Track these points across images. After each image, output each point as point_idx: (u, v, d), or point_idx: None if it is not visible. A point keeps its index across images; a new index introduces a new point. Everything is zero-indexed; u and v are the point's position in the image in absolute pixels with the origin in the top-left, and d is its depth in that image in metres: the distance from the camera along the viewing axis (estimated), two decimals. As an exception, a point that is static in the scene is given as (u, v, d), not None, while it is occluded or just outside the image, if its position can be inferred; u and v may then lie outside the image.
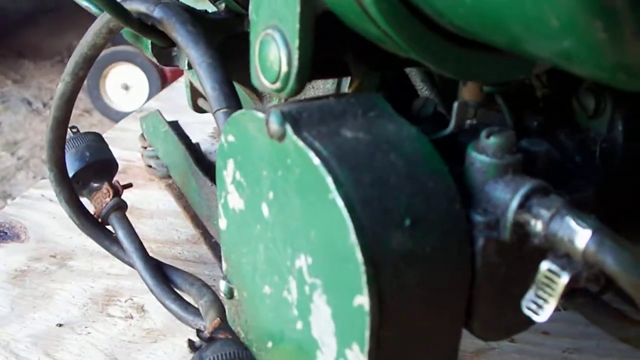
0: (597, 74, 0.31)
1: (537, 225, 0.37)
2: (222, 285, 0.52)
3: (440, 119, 0.47)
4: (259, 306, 0.48)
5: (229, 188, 0.47)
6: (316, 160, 0.36)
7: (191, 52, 0.56)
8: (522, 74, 0.41)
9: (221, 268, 0.83)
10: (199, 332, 0.59)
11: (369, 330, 0.36)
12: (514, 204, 0.38)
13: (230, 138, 0.45)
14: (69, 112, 0.72)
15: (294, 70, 0.41)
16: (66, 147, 0.77)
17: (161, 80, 2.69)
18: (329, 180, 0.36)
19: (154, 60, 0.65)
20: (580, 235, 0.35)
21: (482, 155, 0.39)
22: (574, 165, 0.48)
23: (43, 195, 1.01)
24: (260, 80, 0.44)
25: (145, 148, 1.03)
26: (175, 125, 0.96)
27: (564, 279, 0.36)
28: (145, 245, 0.77)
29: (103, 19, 0.63)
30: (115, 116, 2.67)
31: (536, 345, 0.77)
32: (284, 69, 0.41)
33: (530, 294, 0.37)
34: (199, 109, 1.04)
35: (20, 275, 0.85)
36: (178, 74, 2.74)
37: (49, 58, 3.30)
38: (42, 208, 0.99)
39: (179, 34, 0.57)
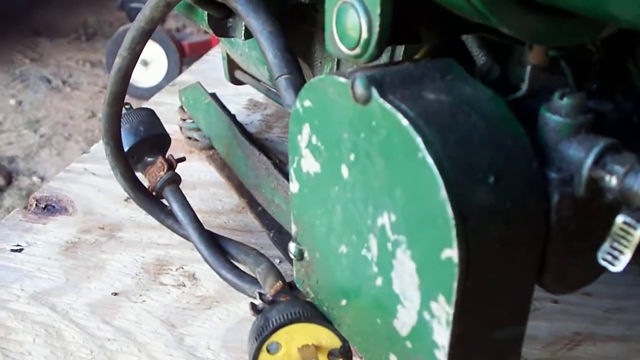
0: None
1: (612, 181, 0.39)
2: (292, 247, 0.54)
3: (504, 83, 0.48)
4: (333, 266, 0.50)
5: (303, 152, 0.49)
6: (405, 122, 0.38)
7: (252, 20, 0.58)
8: (590, 38, 0.43)
9: (269, 236, 0.85)
10: (261, 295, 0.61)
11: (457, 282, 0.38)
12: (589, 161, 0.40)
13: (307, 103, 0.47)
14: (125, 87, 0.74)
15: (375, 36, 0.42)
16: (120, 122, 0.78)
17: (179, 55, 2.70)
18: (419, 140, 0.38)
19: (210, 31, 0.67)
20: (657, 189, 0.37)
21: (556, 116, 0.41)
22: (632, 126, 0.50)
23: (86, 169, 1.04)
24: (337, 46, 0.45)
25: (185, 120, 1.05)
26: (215, 97, 0.98)
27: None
28: (191, 215, 0.80)
29: (161, -8, 0.65)
30: (135, 92, 2.69)
31: (579, 306, 0.79)
32: (365, 35, 0.43)
33: (605, 246, 0.39)
34: (235, 81, 1.06)
35: (72, 247, 0.87)
36: (196, 48, 2.76)
37: (65, 36, 3.31)
38: (86, 181, 1.01)
39: (239, 4, 0.59)
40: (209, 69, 1.35)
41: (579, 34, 0.42)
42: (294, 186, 0.51)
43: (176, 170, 0.83)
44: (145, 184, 0.83)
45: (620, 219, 0.39)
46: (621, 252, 0.39)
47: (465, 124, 0.39)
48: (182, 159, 0.85)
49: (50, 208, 0.95)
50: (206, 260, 0.76)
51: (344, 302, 0.50)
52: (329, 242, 0.49)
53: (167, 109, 1.17)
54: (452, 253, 0.38)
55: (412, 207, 0.40)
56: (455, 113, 0.40)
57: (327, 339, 0.53)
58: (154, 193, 0.83)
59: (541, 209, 0.41)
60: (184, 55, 2.72)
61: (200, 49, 2.60)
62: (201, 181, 1.01)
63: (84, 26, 3.39)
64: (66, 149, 2.41)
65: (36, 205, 0.95)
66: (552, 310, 0.78)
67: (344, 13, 0.44)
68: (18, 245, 0.87)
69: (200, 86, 0.97)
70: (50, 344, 0.72)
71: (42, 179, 2.24)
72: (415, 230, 0.40)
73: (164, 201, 0.82)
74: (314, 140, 0.47)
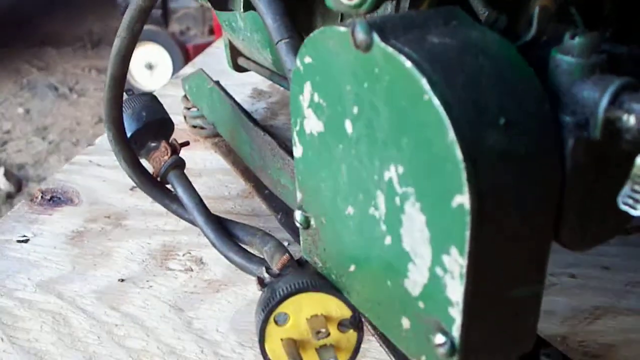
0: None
1: (630, 120, 0.37)
2: (298, 216, 0.52)
3: (512, 34, 0.46)
4: (341, 230, 0.48)
5: (305, 112, 0.47)
6: (408, 64, 0.36)
7: (248, -14, 0.56)
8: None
9: (277, 218, 0.84)
10: (268, 269, 0.59)
11: (470, 230, 0.36)
12: (605, 101, 0.38)
13: (307, 60, 0.45)
14: (125, 69, 0.72)
15: (374, -18, 0.41)
16: (122, 109, 0.77)
17: (184, 58, 2.69)
18: (424, 81, 0.36)
19: (208, 4, 0.65)
20: (679, 125, 0.35)
21: (568, 56, 0.39)
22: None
23: (91, 161, 1.02)
24: (336, -2, 0.44)
25: (189, 109, 1.04)
26: (218, 84, 0.97)
27: (662, 169, 0.36)
28: (197, 202, 0.78)
29: (156, -34, 0.63)
30: (142, 96, 2.68)
31: (597, 280, 0.77)
32: (363, -18, 0.41)
33: (626, 189, 0.37)
34: (239, 68, 1.04)
35: (78, 237, 0.86)
36: (200, 50, 2.75)
37: (71, 44, 3.32)
38: (91, 173, 1.00)
39: (235, -30, 0.57)
40: (213, 62, 1.34)
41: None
42: (297, 150, 0.50)
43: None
44: (150, 170, 0.82)
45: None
46: (643, 194, 0.37)
47: (472, 66, 0.37)
48: (186, 143, 0.84)
49: (55, 199, 0.94)
50: (213, 244, 0.74)
51: (352, 268, 0.48)
52: (335, 206, 0.47)
53: (171, 100, 1.15)
54: (463, 199, 0.36)
55: (420, 155, 0.38)
56: (461, 55, 0.38)
57: (337, 309, 0.51)
58: (158, 178, 0.81)
59: (556, 155, 0.39)
60: (188, 57, 2.71)
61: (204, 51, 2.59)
62: (207, 169, 0.99)
63: (90, 34, 3.39)
64: (74, 154, 2.40)
65: (42, 197, 0.94)
66: (570, 285, 0.76)
67: (343, -40, 0.42)
68: (24, 236, 0.86)
69: (203, 73, 0.96)
70: (57, 330, 0.71)
71: (52, 184, 2.23)
72: (423, 179, 0.38)
73: (169, 186, 0.81)
74: (315, 98, 0.45)
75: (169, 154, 0.80)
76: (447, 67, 0.37)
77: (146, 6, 0.68)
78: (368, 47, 0.39)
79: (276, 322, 0.51)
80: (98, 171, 1.00)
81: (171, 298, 0.75)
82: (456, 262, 0.38)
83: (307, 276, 0.53)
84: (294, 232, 0.79)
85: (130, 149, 0.79)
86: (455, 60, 0.37)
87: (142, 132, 0.82)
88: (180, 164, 0.81)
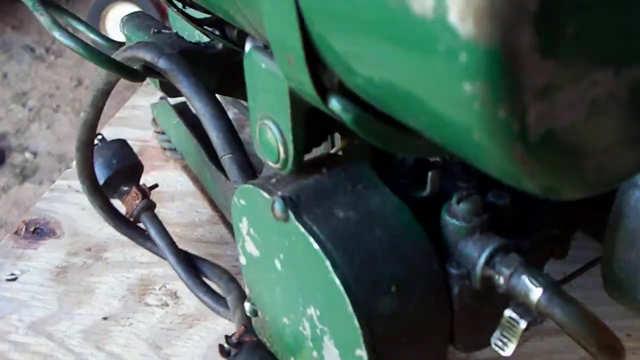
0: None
1: (500, 280, 0.46)
2: (247, 306, 0.61)
3: (420, 169, 0.54)
4: (280, 330, 0.57)
5: (245, 237, 0.55)
6: (316, 246, 0.45)
7: (195, 103, 0.63)
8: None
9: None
10: (227, 338, 0.68)
11: (370, 377, 0.45)
12: (481, 261, 0.46)
13: (242, 202, 0.53)
14: (93, 136, 0.80)
15: (291, 156, 0.48)
16: (94, 156, 0.84)
17: (159, 15, 2.72)
18: (328, 263, 0.44)
19: (163, 94, 0.72)
20: (534, 292, 0.44)
21: (454, 220, 0.48)
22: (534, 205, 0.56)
23: (70, 187, 1.09)
24: (264, 156, 0.51)
25: (159, 133, 1.10)
26: (183, 111, 1.02)
27: (522, 325, 0.45)
28: (169, 229, 0.88)
29: (115, 65, 0.70)
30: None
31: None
32: (282, 155, 0.49)
33: (497, 333, 0.46)
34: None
35: (62, 272, 0.94)
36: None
37: (45, -1, 3.30)
38: (70, 200, 1.07)
39: (183, 86, 0.64)
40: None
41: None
42: (242, 259, 0.58)
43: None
44: (123, 209, 0.90)
45: (507, 312, 0.45)
46: (509, 340, 0.46)
47: (370, 241, 0.46)
48: (155, 186, 0.92)
49: (39, 231, 1.01)
50: (184, 282, 0.83)
51: (292, 359, 0.58)
52: (274, 312, 0.56)
53: (144, 112, 1.22)
54: (362, 353, 0.45)
55: (330, 310, 0.46)
56: (361, 231, 0.46)
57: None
58: (132, 219, 0.89)
59: (444, 302, 0.47)
60: (163, 13, 2.73)
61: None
62: (178, 192, 1.06)
63: (65, -12, 3.38)
64: (55, 121, 2.45)
65: (25, 229, 1.01)
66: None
67: (265, 132, 0.49)
68: (12, 274, 0.94)
69: (168, 105, 1.02)
70: (48, 374, 0.80)
71: (35, 154, 2.28)
72: (335, 327, 0.47)
73: (142, 225, 0.89)
74: (251, 231, 0.53)
75: (140, 199, 0.89)
76: (348, 245, 0.45)
77: (107, 89, 0.75)
78: (285, 220, 0.47)
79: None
80: (76, 198, 1.06)
81: (149, 335, 0.84)
82: (365, 394, 0.47)
83: (258, 356, 0.62)
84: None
85: (104, 198, 0.88)
86: (355, 237, 0.46)
87: (114, 178, 0.90)
88: (150, 206, 0.89)
